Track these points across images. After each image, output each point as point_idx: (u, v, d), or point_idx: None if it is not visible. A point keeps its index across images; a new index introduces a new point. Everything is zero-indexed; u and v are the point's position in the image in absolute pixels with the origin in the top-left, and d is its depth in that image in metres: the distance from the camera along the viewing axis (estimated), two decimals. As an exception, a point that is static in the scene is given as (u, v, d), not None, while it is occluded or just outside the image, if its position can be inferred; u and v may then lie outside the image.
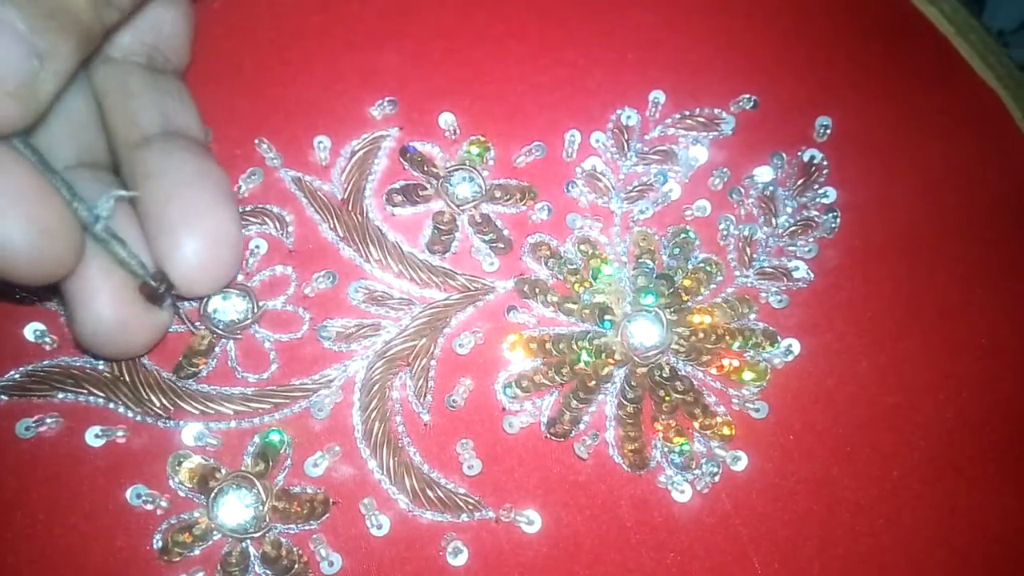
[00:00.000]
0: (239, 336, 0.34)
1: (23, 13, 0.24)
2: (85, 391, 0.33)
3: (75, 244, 0.27)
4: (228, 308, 0.34)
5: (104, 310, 0.29)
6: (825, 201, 0.39)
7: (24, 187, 0.25)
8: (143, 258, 0.29)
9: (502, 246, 0.37)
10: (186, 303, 0.34)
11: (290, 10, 0.40)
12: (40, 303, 0.34)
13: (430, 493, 0.33)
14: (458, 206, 0.37)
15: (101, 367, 0.34)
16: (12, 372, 0.33)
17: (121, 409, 0.33)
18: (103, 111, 0.31)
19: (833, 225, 0.39)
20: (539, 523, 0.33)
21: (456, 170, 0.38)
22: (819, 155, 0.40)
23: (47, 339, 0.34)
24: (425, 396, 0.35)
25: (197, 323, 0.34)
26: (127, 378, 0.33)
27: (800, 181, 0.40)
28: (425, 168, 0.38)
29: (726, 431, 0.35)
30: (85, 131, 0.31)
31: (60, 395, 0.33)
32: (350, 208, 0.37)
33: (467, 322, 0.36)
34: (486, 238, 0.37)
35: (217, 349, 0.34)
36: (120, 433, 0.33)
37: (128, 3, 0.27)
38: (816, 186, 0.40)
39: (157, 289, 0.30)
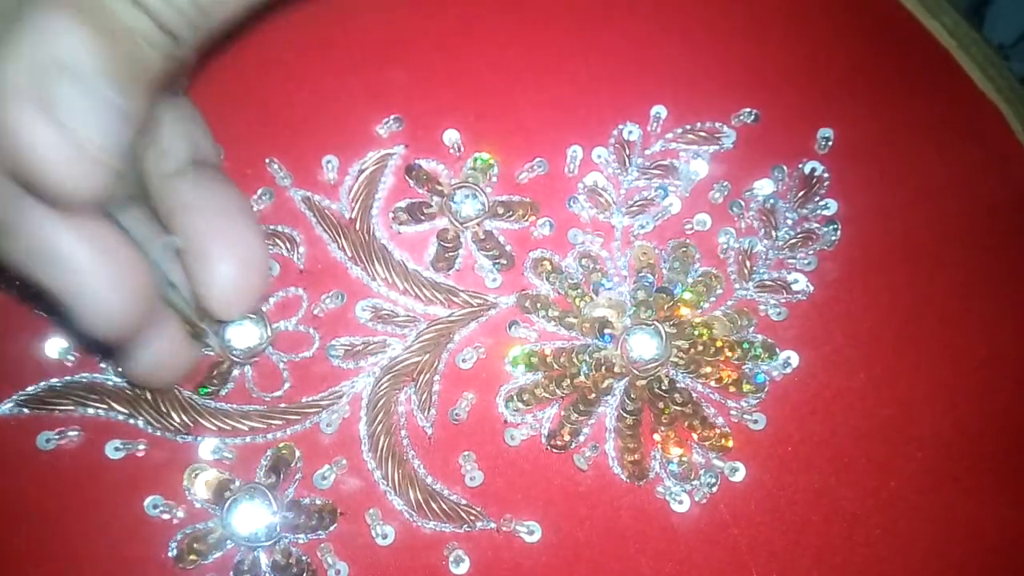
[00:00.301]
0: (256, 360, 0.36)
1: (115, 77, 0.24)
2: (106, 406, 0.35)
3: (152, 295, 0.29)
4: (243, 335, 0.35)
5: (162, 354, 0.31)
6: (826, 213, 0.40)
7: (126, 258, 0.27)
8: (187, 295, 0.31)
9: (505, 262, 0.38)
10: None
11: (296, 30, 0.41)
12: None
13: (433, 504, 0.34)
14: (462, 223, 0.38)
15: (122, 384, 0.35)
16: (34, 387, 0.35)
17: (141, 424, 0.35)
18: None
19: (833, 237, 0.39)
20: (539, 533, 0.34)
21: (460, 187, 0.39)
22: (820, 167, 0.40)
23: (69, 356, 0.36)
24: (429, 410, 0.36)
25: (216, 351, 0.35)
26: (149, 395, 0.35)
27: (801, 193, 0.40)
28: (430, 186, 0.39)
29: (724, 442, 0.36)
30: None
31: (81, 409, 0.35)
32: (357, 227, 0.38)
33: (470, 337, 0.37)
34: (489, 254, 0.38)
35: (235, 372, 0.36)
36: (140, 446, 0.34)
37: (189, 55, 0.28)
38: (817, 198, 0.40)
39: (204, 330, 0.32)
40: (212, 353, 0.35)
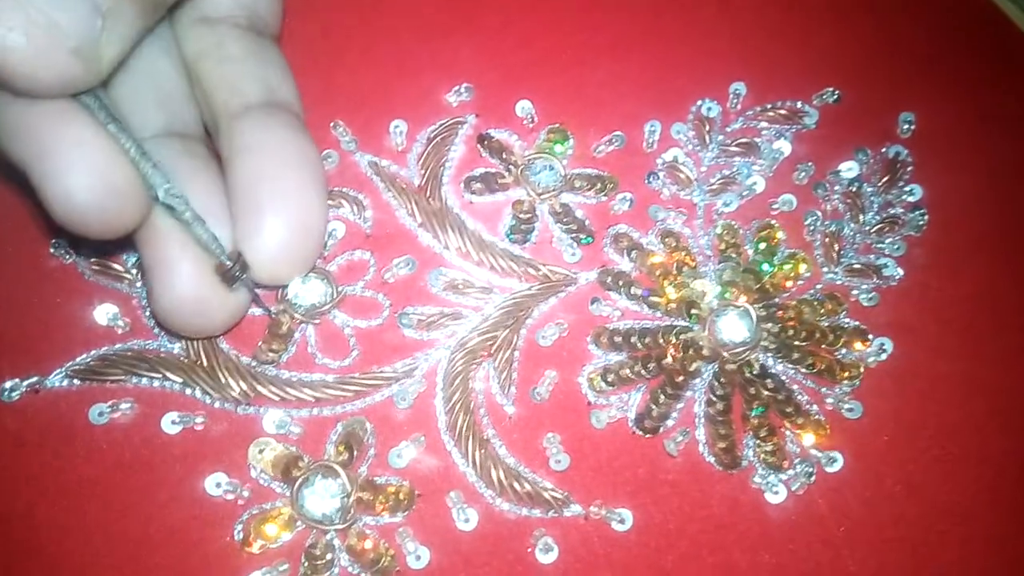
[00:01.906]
0: (318, 321, 0.33)
1: None
2: (160, 375, 0.32)
3: (138, 201, 0.26)
4: (308, 292, 0.33)
5: (181, 286, 0.28)
6: (911, 199, 0.38)
7: (87, 141, 0.25)
8: (221, 236, 0.28)
9: (584, 237, 0.36)
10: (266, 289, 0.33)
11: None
12: (112, 282, 0.33)
13: (517, 486, 0.32)
14: (539, 195, 0.36)
15: (177, 351, 0.33)
16: (84, 356, 0.32)
17: (199, 394, 0.32)
18: (199, 76, 0.30)
19: (920, 223, 0.38)
20: (631, 521, 0.32)
21: (536, 158, 0.37)
22: (904, 151, 0.39)
23: (119, 322, 0.33)
24: (509, 388, 0.33)
25: (273, 307, 0.33)
26: (205, 362, 0.32)
27: (885, 178, 0.39)
28: (503, 156, 0.37)
29: (820, 431, 0.34)
30: (174, 100, 0.30)
31: (134, 379, 0.32)
32: (428, 195, 0.36)
33: (549, 313, 0.35)
34: (567, 228, 0.36)
35: (296, 334, 0.33)
36: (199, 420, 0.31)
37: None
38: (901, 183, 0.39)
39: (231, 270, 0.28)
40: (271, 315, 0.33)
